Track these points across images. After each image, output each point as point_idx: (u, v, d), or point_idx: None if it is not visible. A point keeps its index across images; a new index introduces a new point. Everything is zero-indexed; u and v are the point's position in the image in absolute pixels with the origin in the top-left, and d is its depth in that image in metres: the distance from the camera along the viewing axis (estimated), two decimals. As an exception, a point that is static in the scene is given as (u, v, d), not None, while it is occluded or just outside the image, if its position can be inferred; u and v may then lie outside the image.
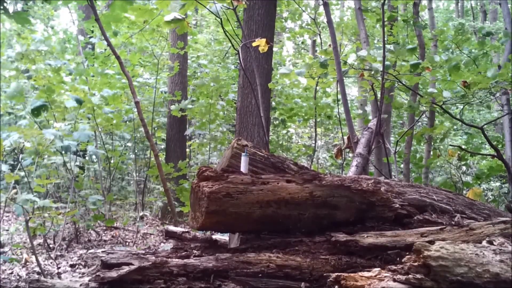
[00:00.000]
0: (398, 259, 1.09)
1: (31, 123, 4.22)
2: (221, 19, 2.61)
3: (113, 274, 1.03)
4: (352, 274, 0.83)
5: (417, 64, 3.30)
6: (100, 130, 5.43)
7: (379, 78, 3.10)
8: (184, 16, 2.47)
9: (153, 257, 1.12)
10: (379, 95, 3.17)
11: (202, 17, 11.87)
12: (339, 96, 3.30)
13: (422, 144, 6.87)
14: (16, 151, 4.70)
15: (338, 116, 4.96)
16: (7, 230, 4.26)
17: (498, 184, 7.32)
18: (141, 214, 5.57)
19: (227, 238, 1.41)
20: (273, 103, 6.73)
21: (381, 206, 1.29)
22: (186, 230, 1.47)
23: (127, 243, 4.60)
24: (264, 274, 1.07)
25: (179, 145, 7.02)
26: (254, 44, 2.77)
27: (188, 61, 7.70)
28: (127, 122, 5.97)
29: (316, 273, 1.07)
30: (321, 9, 7.14)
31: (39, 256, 3.49)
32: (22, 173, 4.29)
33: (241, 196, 1.15)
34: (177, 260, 1.10)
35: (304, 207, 1.20)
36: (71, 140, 3.68)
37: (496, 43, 6.12)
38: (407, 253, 0.83)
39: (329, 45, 3.17)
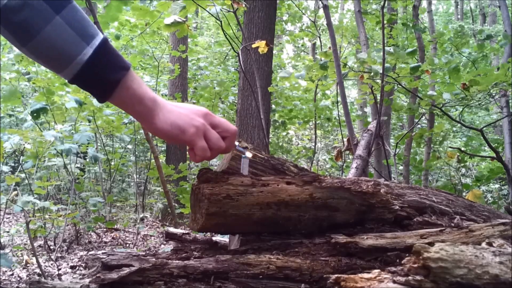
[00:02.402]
0: (397, 260, 1.09)
1: (33, 127, 4.23)
2: (221, 21, 2.62)
3: (114, 275, 1.02)
4: (352, 276, 0.83)
5: (416, 66, 3.31)
6: (100, 132, 5.44)
7: (379, 80, 3.11)
8: (184, 19, 2.48)
9: (154, 259, 1.12)
10: (378, 97, 3.18)
11: (202, 20, 11.90)
12: (339, 98, 3.31)
13: (421, 146, 6.88)
14: (16, 153, 4.71)
15: (338, 118, 4.97)
16: (8, 232, 4.26)
17: (497, 186, 7.33)
18: (141, 216, 5.58)
19: (227, 240, 1.41)
20: (273, 105, 6.74)
21: (380, 207, 1.29)
22: (186, 231, 1.47)
23: (128, 245, 4.61)
24: (264, 275, 1.07)
25: (179, 147, 7.04)
26: (254, 45, 2.78)
27: (188, 63, 7.72)
28: (128, 124, 5.98)
29: (316, 274, 1.07)
30: (321, 11, 7.16)
31: (39, 257, 3.50)
32: (23, 175, 4.30)
33: (241, 197, 1.15)
34: (177, 261, 1.10)
35: (304, 208, 1.20)
36: (71, 142, 3.69)
37: (495, 45, 6.14)
38: (407, 255, 0.84)
39: (329, 48, 3.18)
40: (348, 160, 5.89)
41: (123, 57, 0.74)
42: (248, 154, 1.18)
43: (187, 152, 0.84)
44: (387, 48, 3.06)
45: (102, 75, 0.70)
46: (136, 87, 0.74)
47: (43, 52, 0.67)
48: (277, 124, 7.25)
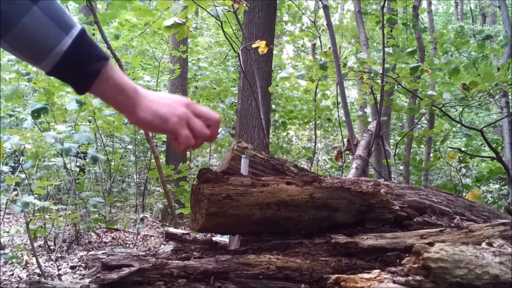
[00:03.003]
0: (397, 260, 1.09)
1: (33, 127, 4.23)
2: (221, 21, 2.62)
3: (114, 275, 1.03)
4: (352, 276, 0.83)
5: (416, 67, 3.31)
6: (100, 132, 5.44)
7: (379, 80, 3.11)
8: (184, 21, 2.48)
9: (154, 259, 1.12)
10: (378, 97, 3.18)
11: (202, 20, 11.90)
12: (339, 99, 3.31)
13: (421, 146, 6.88)
14: (16, 153, 4.71)
15: (338, 118, 4.97)
16: (8, 232, 4.26)
17: (497, 186, 7.33)
18: (141, 216, 5.58)
19: (227, 240, 1.41)
20: (273, 106, 6.74)
21: (380, 208, 1.29)
22: (186, 232, 1.47)
23: (128, 245, 4.60)
24: (264, 275, 1.07)
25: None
26: (254, 45, 2.78)
27: (189, 63, 7.72)
28: (128, 124, 5.98)
29: (316, 274, 1.07)
30: (321, 12, 7.16)
31: (39, 257, 3.50)
32: (23, 175, 4.29)
33: (241, 198, 1.16)
34: (177, 261, 1.10)
35: (304, 209, 1.20)
36: (71, 142, 3.69)
37: (495, 46, 6.14)
38: (407, 255, 0.84)
39: (329, 48, 3.18)
40: (348, 160, 5.89)
41: (101, 48, 0.73)
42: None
43: (171, 142, 0.84)
44: (386, 49, 3.06)
45: (82, 65, 0.69)
46: (117, 77, 0.74)
47: (21, 44, 0.66)
48: (277, 124, 7.25)
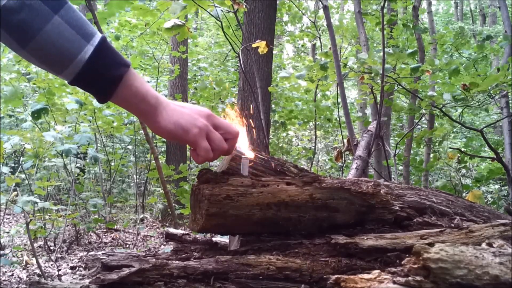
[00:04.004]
0: (397, 261, 1.08)
1: (33, 127, 4.23)
2: (221, 22, 2.62)
3: (114, 276, 1.02)
4: (352, 276, 0.83)
5: (417, 67, 3.31)
6: (100, 132, 5.44)
7: (379, 81, 3.11)
8: (184, 22, 2.48)
9: (153, 259, 1.12)
10: (378, 98, 3.18)
11: (202, 21, 11.91)
12: (339, 99, 3.31)
13: (422, 147, 6.88)
14: (17, 153, 4.71)
15: (338, 118, 4.98)
16: (8, 232, 4.26)
17: (497, 186, 7.33)
18: (141, 216, 5.57)
19: (227, 241, 1.41)
20: (273, 106, 6.74)
21: (381, 208, 1.28)
22: (186, 232, 1.46)
23: (128, 245, 4.60)
24: (264, 276, 1.07)
25: (179, 148, 7.04)
26: (254, 45, 2.78)
27: (189, 64, 7.72)
28: (128, 124, 5.98)
29: (316, 275, 1.07)
30: (321, 12, 7.16)
31: (39, 258, 3.50)
32: (23, 176, 4.30)
33: (241, 198, 1.15)
34: (177, 262, 1.10)
35: (304, 209, 1.20)
36: (71, 143, 3.69)
37: (495, 46, 6.15)
38: (407, 255, 0.84)
39: (329, 48, 3.18)
40: (348, 161, 5.89)
41: (122, 55, 0.73)
42: (249, 154, 1.17)
43: (189, 153, 0.84)
44: (386, 49, 3.06)
45: (104, 73, 0.70)
46: (138, 85, 0.74)
47: (44, 53, 0.66)
48: (277, 124, 7.25)
